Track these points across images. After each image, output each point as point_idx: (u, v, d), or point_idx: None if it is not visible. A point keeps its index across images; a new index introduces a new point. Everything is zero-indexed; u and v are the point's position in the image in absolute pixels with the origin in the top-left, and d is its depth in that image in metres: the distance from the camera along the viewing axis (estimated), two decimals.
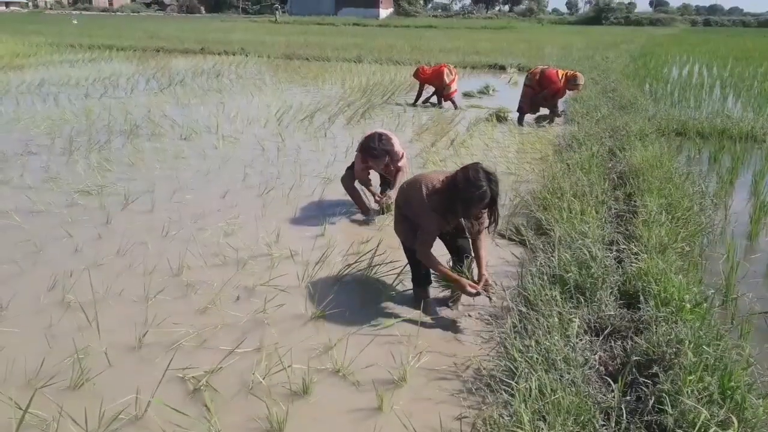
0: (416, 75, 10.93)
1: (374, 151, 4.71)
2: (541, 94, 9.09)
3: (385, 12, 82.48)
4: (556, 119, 9.33)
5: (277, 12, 63.86)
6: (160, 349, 3.04)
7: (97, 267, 3.96)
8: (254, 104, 10.59)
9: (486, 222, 3.35)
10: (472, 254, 3.50)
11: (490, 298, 3.42)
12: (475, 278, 3.40)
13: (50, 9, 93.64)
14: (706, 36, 43.23)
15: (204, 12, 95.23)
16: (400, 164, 4.93)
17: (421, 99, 11.08)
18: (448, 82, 10.55)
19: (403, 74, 15.40)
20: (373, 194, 5.13)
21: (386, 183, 5.20)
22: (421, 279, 3.58)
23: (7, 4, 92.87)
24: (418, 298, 3.57)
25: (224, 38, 27.27)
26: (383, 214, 5.06)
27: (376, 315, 3.42)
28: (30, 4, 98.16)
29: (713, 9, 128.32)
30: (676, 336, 2.70)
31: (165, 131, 8.08)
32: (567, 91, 9.13)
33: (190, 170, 6.34)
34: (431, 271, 3.50)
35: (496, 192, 3.10)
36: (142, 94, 11.44)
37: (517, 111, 9.42)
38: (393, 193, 4.91)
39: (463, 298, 3.52)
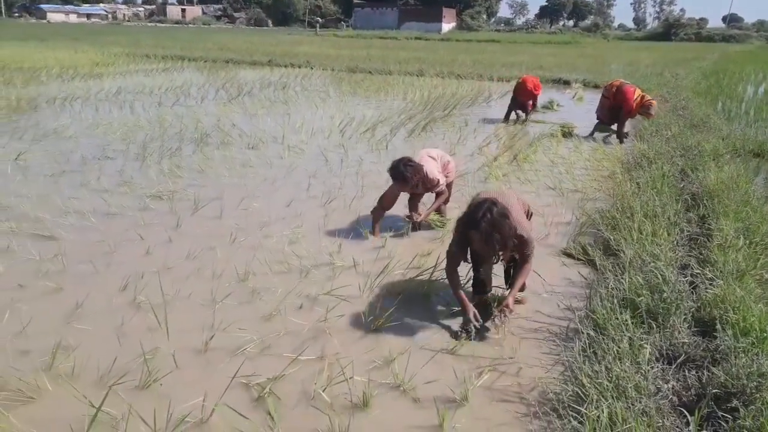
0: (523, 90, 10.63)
1: (393, 174, 4.67)
2: (615, 107, 8.91)
3: (447, 26, 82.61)
4: (623, 139, 9.05)
5: (317, 25, 64.94)
6: (225, 353, 3.11)
7: (167, 270, 4.10)
8: (318, 116, 10.77)
9: (525, 252, 3.38)
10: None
11: (496, 324, 3.40)
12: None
13: (128, 21, 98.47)
14: None
15: (271, 25, 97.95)
16: (437, 190, 4.85)
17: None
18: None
19: (465, 88, 15.37)
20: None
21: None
22: (477, 286, 3.69)
23: (88, 16, 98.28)
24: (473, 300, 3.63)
25: (290, 51, 27.93)
26: (415, 231, 5.01)
27: (437, 330, 3.39)
28: (109, 16, 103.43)
29: None
30: (758, 369, 2.55)
31: (233, 140, 8.31)
32: (638, 114, 8.88)
33: (256, 178, 6.49)
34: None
35: (482, 226, 3.08)
36: (211, 104, 11.83)
37: (597, 119, 9.31)
38: (424, 213, 4.95)
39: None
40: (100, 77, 15.63)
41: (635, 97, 8.65)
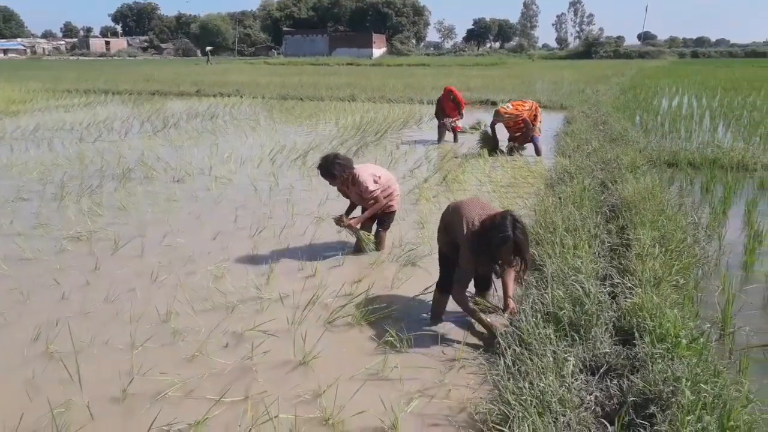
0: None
1: (321, 168, 4.92)
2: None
3: (378, 51, 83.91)
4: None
5: (208, 54, 64.82)
6: (145, 400, 2.96)
7: (84, 315, 3.90)
8: (248, 145, 10.64)
9: (516, 266, 3.46)
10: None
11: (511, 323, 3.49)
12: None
13: (48, 55, 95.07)
14: (695, 67, 43.92)
15: (200, 55, 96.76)
16: (370, 196, 4.94)
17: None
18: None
19: (396, 111, 15.56)
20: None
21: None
22: (445, 285, 3.74)
23: (5, 51, 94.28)
24: (436, 304, 3.82)
25: (220, 80, 27.60)
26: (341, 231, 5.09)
27: (366, 358, 3.34)
28: (28, 50, 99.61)
29: (700, 41, 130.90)
30: (673, 374, 2.63)
31: (158, 174, 8.08)
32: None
33: (181, 213, 6.31)
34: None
35: (521, 239, 3.23)
36: (136, 138, 11.49)
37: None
38: (356, 219, 5.01)
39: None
40: (16, 115, 14.96)
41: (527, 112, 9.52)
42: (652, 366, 2.75)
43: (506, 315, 3.54)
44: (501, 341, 3.22)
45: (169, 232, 5.58)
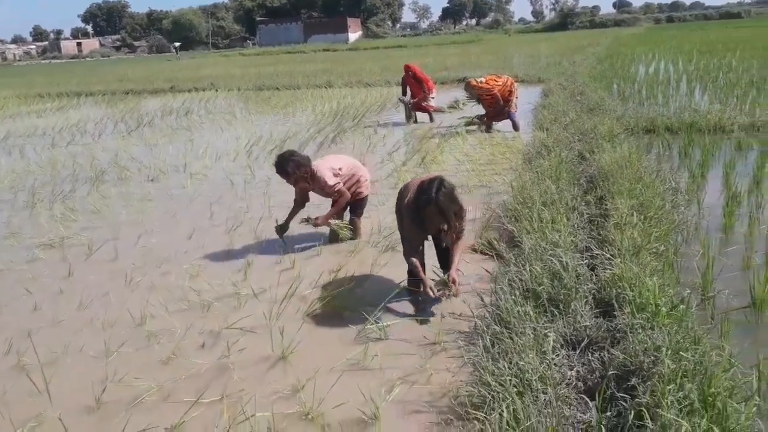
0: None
1: (276, 167, 4.81)
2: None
3: (354, 36, 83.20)
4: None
5: (176, 50, 64.29)
6: (121, 407, 2.88)
7: (57, 324, 3.80)
8: (224, 138, 10.49)
9: (461, 227, 3.65)
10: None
11: (455, 295, 3.63)
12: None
13: (19, 61, 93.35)
14: (670, 32, 43.98)
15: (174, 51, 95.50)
16: (333, 192, 4.88)
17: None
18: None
19: (373, 95, 15.44)
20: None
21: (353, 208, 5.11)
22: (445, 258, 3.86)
23: None
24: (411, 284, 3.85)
25: (194, 75, 27.25)
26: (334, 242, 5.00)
27: (346, 348, 3.27)
28: None
29: (675, 5, 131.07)
30: (653, 343, 2.59)
31: (132, 174, 7.94)
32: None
33: (156, 213, 6.20)
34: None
35: (443, 201, 3.36)
36: (109, 138, 11.30)
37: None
38: (324, 217, 4.94)
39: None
40: None
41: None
42: (632, 337, 2.71)
43: (451, 288, 3.60)
44: (428, 293, 3.49)
45: (144, 233, 5.47)
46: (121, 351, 3.39)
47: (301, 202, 5.08)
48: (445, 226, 3.51)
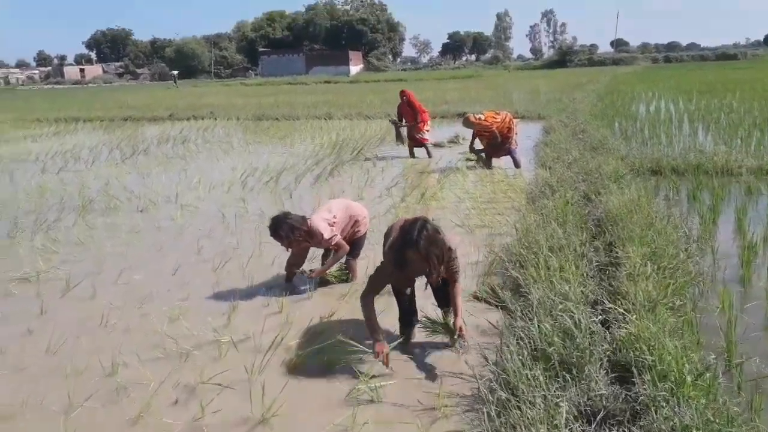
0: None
1: (270, 231, 4.46)
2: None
3: (355, 68, 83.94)
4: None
5: (175, 78, 64.93)
6: None
7: (19, 372, 3.49)
8: (219, 169, 10.26)
9: (453, 269, 3.48)
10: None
11: (462, 347, 3.45)
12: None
13: (22, 85, 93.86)
14: (668, 72, 44.32)
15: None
16: (332, 245, 4.57)
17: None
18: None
19: (373, 128, 15.28)
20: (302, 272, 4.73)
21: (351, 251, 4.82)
22: (407, 316, 3.68)
23: None
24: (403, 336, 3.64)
25: (194, 103, 27.19)
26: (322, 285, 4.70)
27: (333, 412, 2.94)
28: (1, 81, 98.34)
29: (672, 46, 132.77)
30: (680, 421, 2.29)
31: (121, 204, 7.66)
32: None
33: (142, 246, 5.91)
34: (418, 316, 3.74)
35: (423, 245, 3.17)
36: (102, 166, 11.05)
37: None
38: (321, 270, 4.66)
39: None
40: None
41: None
42: (655, 412, 2.40)
43: (456, 337, 3.44)
44: (380, 360, 3.21)
45: (127, 268, 5.17)
46: (86, 405, 3.07)
47: (295, 263, 4.72)
48: (428, 270, 3.32)
